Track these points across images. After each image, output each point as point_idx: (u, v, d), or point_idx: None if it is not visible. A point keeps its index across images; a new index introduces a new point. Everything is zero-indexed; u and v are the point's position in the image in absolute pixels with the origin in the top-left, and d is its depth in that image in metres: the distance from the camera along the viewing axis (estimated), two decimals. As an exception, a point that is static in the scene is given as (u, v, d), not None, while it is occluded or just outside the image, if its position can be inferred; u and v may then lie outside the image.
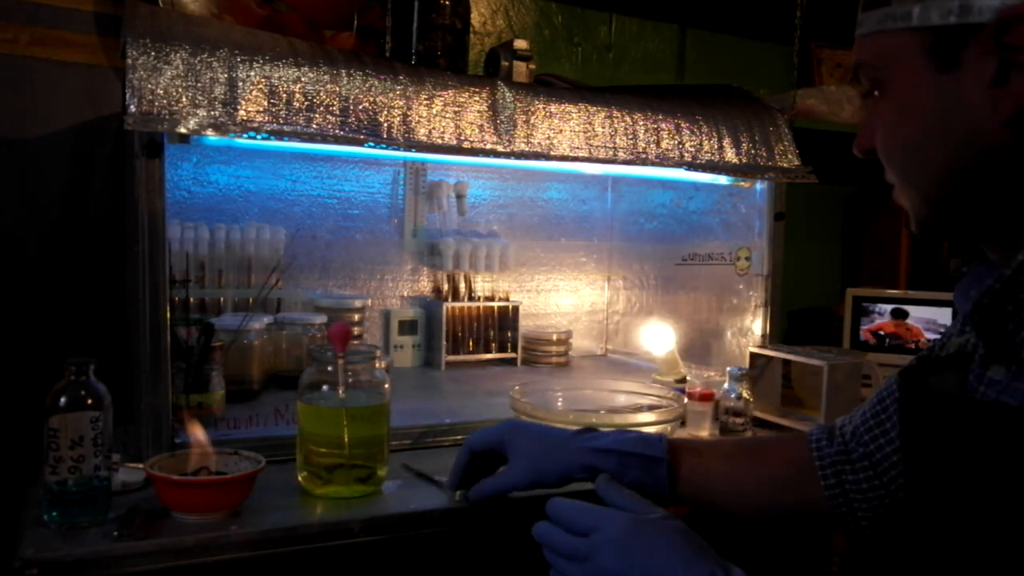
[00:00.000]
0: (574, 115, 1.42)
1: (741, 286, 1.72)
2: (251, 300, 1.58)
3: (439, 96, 1.30)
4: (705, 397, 1.39)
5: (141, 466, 1.04)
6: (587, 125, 1.42)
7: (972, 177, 0.63)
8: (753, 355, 1.58)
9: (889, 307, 2.24)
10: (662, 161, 1.48)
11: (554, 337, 1.89)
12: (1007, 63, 0.58)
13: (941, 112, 0.63)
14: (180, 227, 1.54)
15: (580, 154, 1.41)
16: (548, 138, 1.38)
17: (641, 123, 1.47)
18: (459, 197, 1.85)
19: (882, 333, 2.24)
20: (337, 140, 1.20)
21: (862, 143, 0.71)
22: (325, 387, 1.09)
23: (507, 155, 1.34)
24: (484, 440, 1.03)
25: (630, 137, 1.46)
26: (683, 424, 1.37)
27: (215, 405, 1.28)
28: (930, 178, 0.65)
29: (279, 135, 1.15)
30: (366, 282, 1.82)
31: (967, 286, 0.68)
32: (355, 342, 1.57)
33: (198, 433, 1.04)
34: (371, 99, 1.24)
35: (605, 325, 2.09)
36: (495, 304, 1.86)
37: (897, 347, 2.21)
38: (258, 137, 1.13)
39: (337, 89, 1.22)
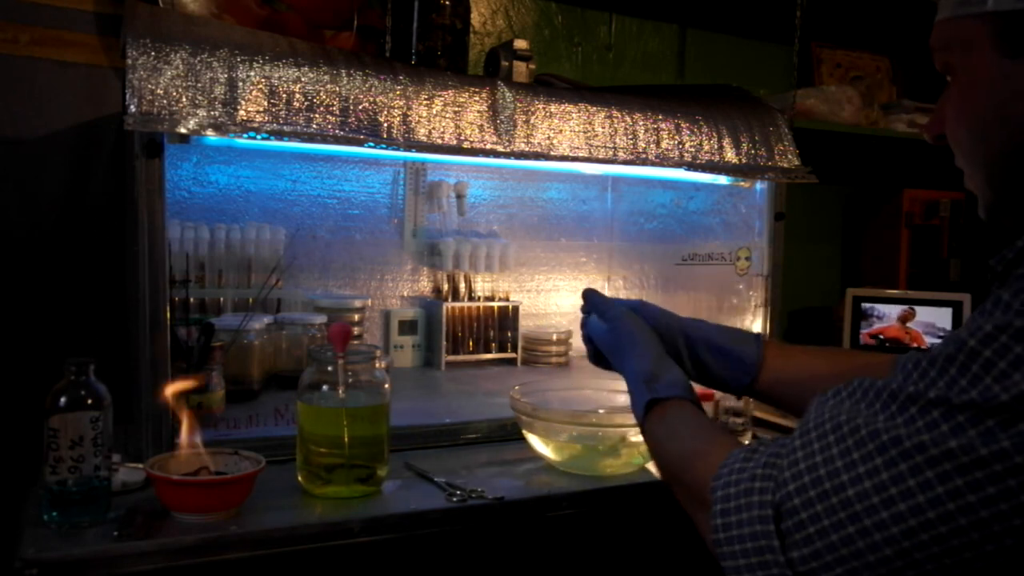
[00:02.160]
0: (574, 115, 1.42)
1: (741, 286, 1.72)
2: (251, 300, 1.58)
3: (439, 96, 1.30)
4: (705, 397, 1.38)
5: (141, 466, 1.04)
6: (587, 125, 1.42)
7: None
8: (753, 355, 1.57)
9: (891, 310, 2.24)
10: (662, 161, 1.48)
11: (554, 337, 1.89)
12: None
13: (1005, 99, 0.64)
14: (180, 227, 1.54)
15: (580, 154, 1.41)
16: (548, 138, 1.38)
17: (641, 123, 1.47)
18: (459, 197, 1.84)
19: (882, 337, 2.24)
20: (337, 140, 1.20)
21: (932, 128, 0.73)
22: (325, 387, 1.09)
23: (507, 155, 1.34)
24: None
25: (630, 137, 1.46)
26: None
27: (215, 405, 1.28)
28: (993, 163, 0.67)
29: (279, 135, 1.15)
30: (366, 282, 1.82)
31: None
32: (355, 342, 1.57)
33: (191, 433, 1.04)
34: (371, 99, 1.24)
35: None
36: (495, 304, 1.86)
37: (897, 350, 2.21)
38: (258, 137, 1.13)
39: (337, 89, 1.22)
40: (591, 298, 1.04)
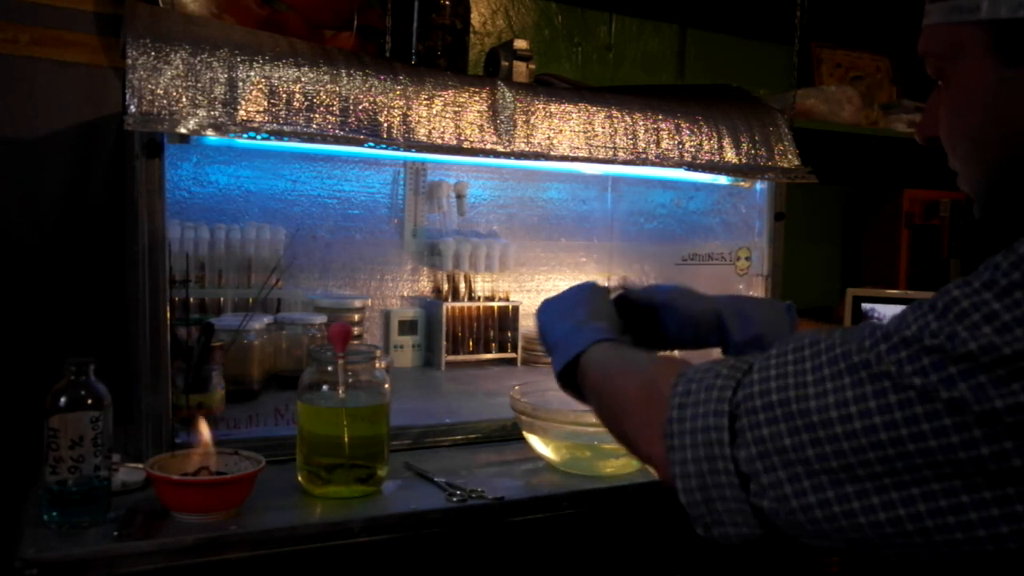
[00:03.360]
0: (574, 115, 1.42)
1: (741, 286, 1.72)
2: (251, 300, 1.58)
3: (439, 96, 1.30)
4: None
5: (141, 466, 1.04)
6: (587, 125, 1.42)
7: None
8: (753, 355, 1.57)
9: (891, 311, 2.24)
10: (662, 161, 1.48)
11: (554, 337, 1.88)
12: None
13: (1004, 105, 0.64)
14: (180, 227, 1.54)
15: (580, 154, 1.41)
16: (548, 138, 1.38)
17: (641, 123, 1.47)
18: (459, 197, 1.84)
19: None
20: (337, 140, 1.20)
21: (924, 131, 0.73)
22: (325, 387, 1.09)
23: (507, 155, 1.34)
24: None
25: (630, 137, 1.46)
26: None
27: (215, 405, 1.27)
28: (991, 167, 0.67)
29: (279, 135, 1.15)
30: (366, 282, 1.82)
31: None
32: (355, 342, 1.56)
33: (203, 431, 1.04)
34: (371, 99, 1.24)
35: (605, 325, 2.09)
36: (495, 304, 1.86)
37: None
38: (258, 137, 1.13)
39: (337, 89, 1.22)
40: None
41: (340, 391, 1.07)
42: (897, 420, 0.55)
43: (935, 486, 0.54)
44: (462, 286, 1.84)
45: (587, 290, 0.96)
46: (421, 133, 1.27)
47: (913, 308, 0.58)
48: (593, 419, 1.24)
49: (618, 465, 1.22)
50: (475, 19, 1.93)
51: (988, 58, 0.63)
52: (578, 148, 1.41)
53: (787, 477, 0.60)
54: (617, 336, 0.86)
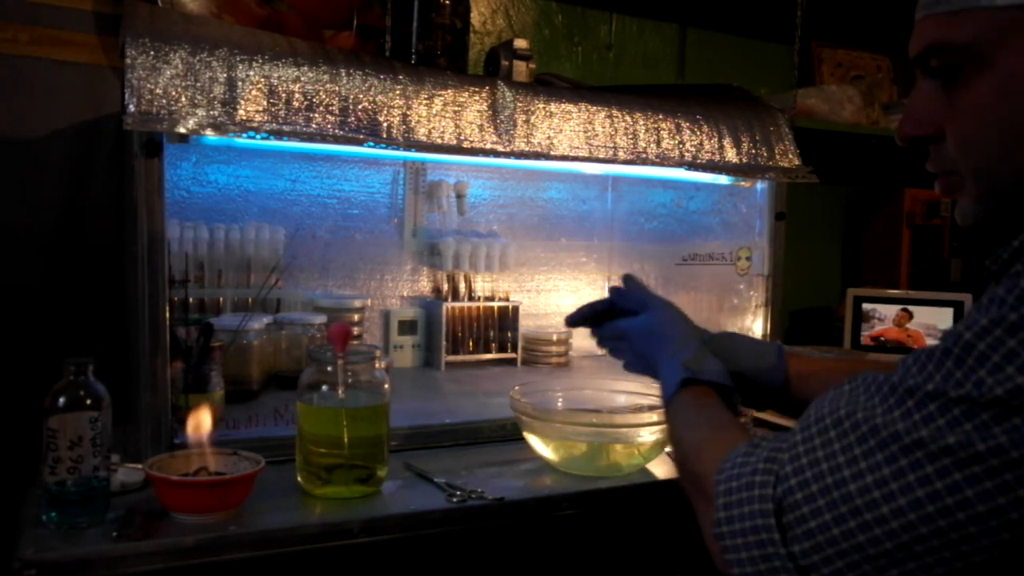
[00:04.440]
0: (574, 115, 1.41)
1: (741, 286, 1.72)
2: (251, 300, 1.58)
3: (439, 96, 1.30)
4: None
5: (141, 466, 1.04)
6: (587, 125, 1.42)
7: None
8: (753, 355, 1.57)
9: (890, 312, 2.23)
10: (662, 161, 1.48)
11: (554, 337, 1.89)
12: None
13: (1002, 98, 0.61)
14: (180, 227, 1.54)
15: (580, 154, 1.41)
16: (548, 138, 1.38)
17: (641, 123, 1.47)
18: (459, 197, 1.84)
19: (883, 339, 2.23)
20: (337, 140, 1.20)
21: (911, 129, 0.69)
22: (325, 387, 1.08)
23: (507, 155, 1.34)
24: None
25: (630, 137, 1.45)
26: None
27: (215, 405, 1.27)
28: (993, 168, 0.64)
29: (279, 135, 1.15)
30: (366, 282, 1.82)
31: None
32: (355, 342, 1.56)
33: (202, 427, 1.04)
34: (371, 99, 1.24)
35: (605, 325, 2.09)
36: (495, 304, 1.86)
37: (899, 351, 2.21)
38: (258, 137, 1.13)
39: (337, 89, 1.21)
40: (632, 287, 1.05)
41: (340, 391, 1.07)
42: (940, 490, 0.54)
43: (995, 553, 0.53)
44: (462, 286, 1.84)
45: (687, 320, 1.00)
46: (421, 133, 1.27)
47: (925, 357, 0.57)
48: (593, 419, 1.24)
49: (618, 465, 1.22)
50: (475, 19, 1.93)
51: (993, 47, 0.60)
52: (578, 148, 1.41)
53: (845, 565, 0.58)
54: (713, 378, 0.89)
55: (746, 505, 0.64)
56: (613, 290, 1.08)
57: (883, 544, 0.56)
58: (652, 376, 1.03)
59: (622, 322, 1.04)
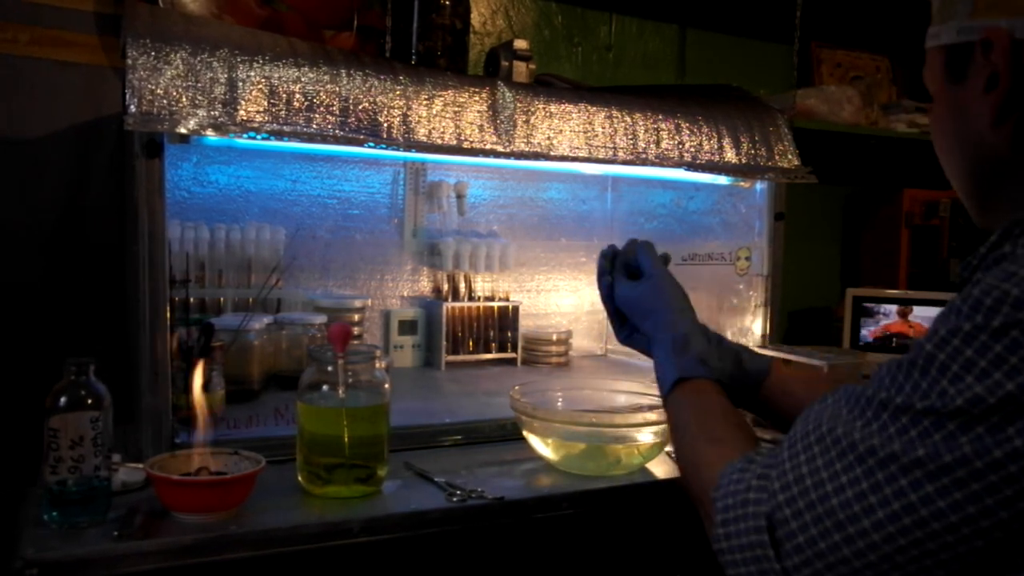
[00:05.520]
0: (574, 115, 1.41)
1: (741, 286, 1.72)
2: (251, 300, 1.58)
3: (439, 96, 1.30)
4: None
5: (141, 466, 1.04)
6: (587, 125, 1.42)
7: (985, 176, 0.71)
8: (753, 355, 1.57)
9: (892, 308, 2.24)
10: (662, 161, 1.48)
11: (554, 337, 1.89)
12: (995, 73, 0.66)
13: (955, 120, 0.71)
14: (180, 227, 1.54)
15: (580, 154, 1.41)
16: (548, 138, 1.38)
17: (641, 123, 1.47)
18: (459, 197, 1.84)
19: (889, 333, 2.24)
20: (337, 140, 1.20)
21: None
22: (325, 387, 1.09)
23: (507, 155, 1.34)
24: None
25: (630, 137, 1.46)
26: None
27: (215, 405, 1.27)
28: (960, 179, 0.74)
29: (279, 135, 1.15)
30: (366, 282, 1.82)
31: None
32: (355, 342, 1.56)
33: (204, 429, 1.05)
34: (371, 99, 1.24)
35: (605, 325, 2.09)
36: (495, 304, 1.86)
37: (903, 347, 2.21)
38: (258, 137, 1.13)
39: (337, 89, 1.22)
40: (641, 249, 1.07)
41: (340, 391, 1.07)
42: (914, 503, 0.56)
43: (971, 560, 0.55)
44: (462, 286, 1.84)
45: (682, 293, 1.04)
46: (421, 133, 1.27)
47: (896, 368, 0.60)
48: (593, 419, 1.24)
49: (618, 465, 1.22)
50: (475, 19, 1.93)
51: (945, 79, 0.71)
52: (578, 148, 1.41)
53: None
54: (701, 372, 0.93)
55: (742, 522, 0.67)
56: (611, 250, 1.11)
57: (867, 556, 0.58)
58: (644, 350, 1.05)
59: (618, 288, 1.06)
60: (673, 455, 0.90)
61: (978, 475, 0.53)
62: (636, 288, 1.04)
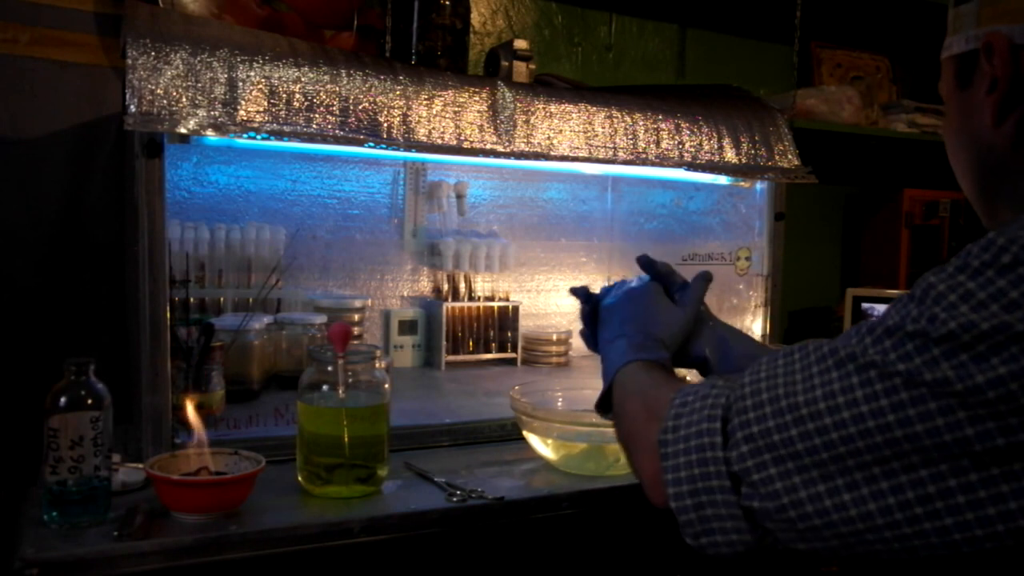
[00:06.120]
0: (574, 115, 1.41)
1: (741, 286, 1.72)
2: (251, 300, 1.58)
3: (439, 96, 1.30)
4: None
5: (141, 466, 1.04)
6: (587, 125, 1.42)
7: (989, 177, 0.73)
8: (753, 355, 1.57)
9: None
10: (662, 161, 1.48)
11: (554, 337, 1.89)
12: (996, 77, 0.69)
13: (963, 123, 0.74)
14: (180, 227, 1.54)
15: (580, 154, 1.41)
16: (548, 138, 1.38)
17: (641, 123, 1.47)
18: (459, 197, 1.85)
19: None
20: (337, 140, 1.20)
21: None
22: (325, 387, 1.09)
23: (507, 155, 1.34)
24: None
25: (630, 137, 1.46)
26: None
27: (215, 405, 1.28)
28: (967, 181, 0.76)
29: (279, 135, 1.15)
30: (366, 282, 1.82)
31: None
32: (355, 342, 1.56)
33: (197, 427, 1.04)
34: (371, 99, 1.24)
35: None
36: (495, 304, 1.86)
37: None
38: (258, 137, 1.13)
39: (337, 89, 1.22)
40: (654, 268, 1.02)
41: (340, 391, 1.07)
42: (884, 407, 0.56)
43: (923, 472, 0.56)
44: (462, 286, 1.84)
45: (637, 293, 0.98)
46: (421, 133, 1.27)
47: (896, 301, 0.61)
48: (593, 419, 1.24)
49: (618, 465, 1.22)
50: (475, 19, 1.93)
51: (954, 86, 0.74)
52: (578, 148, 1.41)
53: (777, 473, 0.61)
54: (649, 350, 0.89)
55: (696, 413, 0.68)
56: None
57: (819, 454, 0.59)
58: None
59: (599, 300, 1.02)
60: (616, 428, 0.86)
61: (955, 395, 0.54)
62: (674, 311, 0.97)
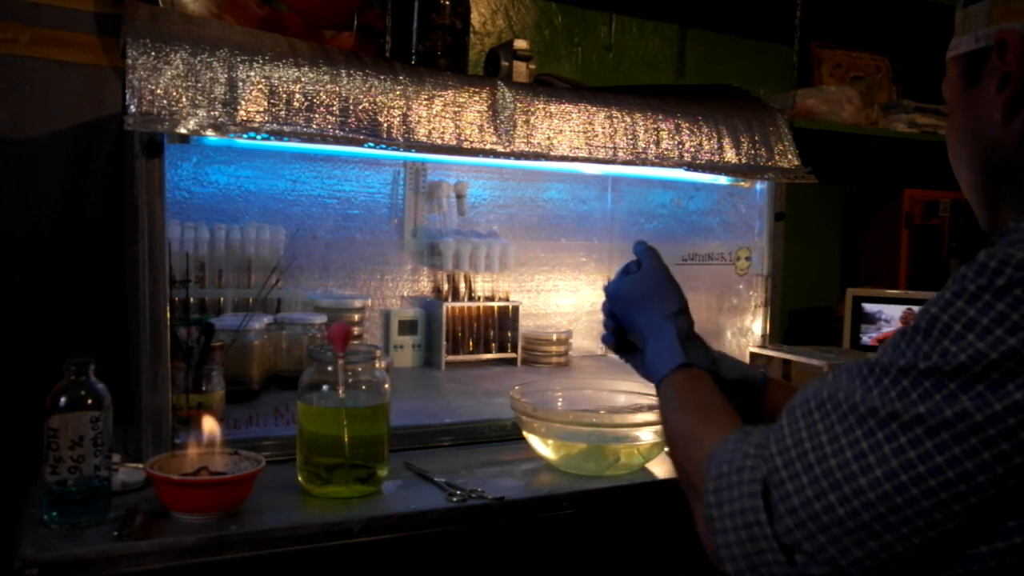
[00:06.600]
0: (574, 115, 1.41)
1: (741, 286, 1.72)
2: (251, 300, 1.58)
3: (439, 96, 1.30)
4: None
5: (141, 466, 1.04)
6: (587, 125, 1.42)
7: (993, 175, 0.73)
8: (753, 355, 1.57)
9: (893, 311, 2.23)
10: (662, 161, 1.48)
11: (554, 337, 1.89)
12: (1007, 74, 0.69)
13: (968, 120, 0.74)
14: (180, 227, 1.54)
15: (580, 154, 1.41)
16: (548, 138, 1.38)
17: (641, 123, 1.47)
18: (459, 197, 1.85)
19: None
20: (337, 140, 1.20)
21: None
22: (325, 387, 1.09)
23: (507, 155, 1.34)
24: None
25: (630, 137, 1.46)
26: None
27: (215, 405, 1.27)
28: (968, 179, 0.76)
29: (279, 135, 1.15)
30: (366, 282, 1.82)
31: None
32: (355, 342, 1.56)
33: (210, 429, 1.05)
34: (371, 99, 1.24)
35: (605, 325, 2.09)
36: (495, 304, 1.86)
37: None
38: (258, 137, 1.13)
39: (337, 89, 1.22)
40: (641, 248, 1.07)
41: (340, 391, 1.07)
42: (912, 459, 0.57)
43: (965, 519, 0.56)
44: (462, 286, 1.84)
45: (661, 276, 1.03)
46: (421, 133, 1.27)
47: (900, 335, 0.61)
48: (593, 419, 1.24)
49: (618, 465, 1.22)
50: (475, 19, 1.93)
51: (961, 85, 0.74)
52: (578, 148, 1.41)
53: (827, 540, 0.61)
54: (704, 364, 0.95)
55: (735, 489, 0.67)
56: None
57: (860, 516, 0.59)
58: (632, 354, 1.06)
59: (612, 283, 1.06)
60: (669, 451, 0.89)
61: (977, 429, 0.54)
62: (631, 277, 1.04)
